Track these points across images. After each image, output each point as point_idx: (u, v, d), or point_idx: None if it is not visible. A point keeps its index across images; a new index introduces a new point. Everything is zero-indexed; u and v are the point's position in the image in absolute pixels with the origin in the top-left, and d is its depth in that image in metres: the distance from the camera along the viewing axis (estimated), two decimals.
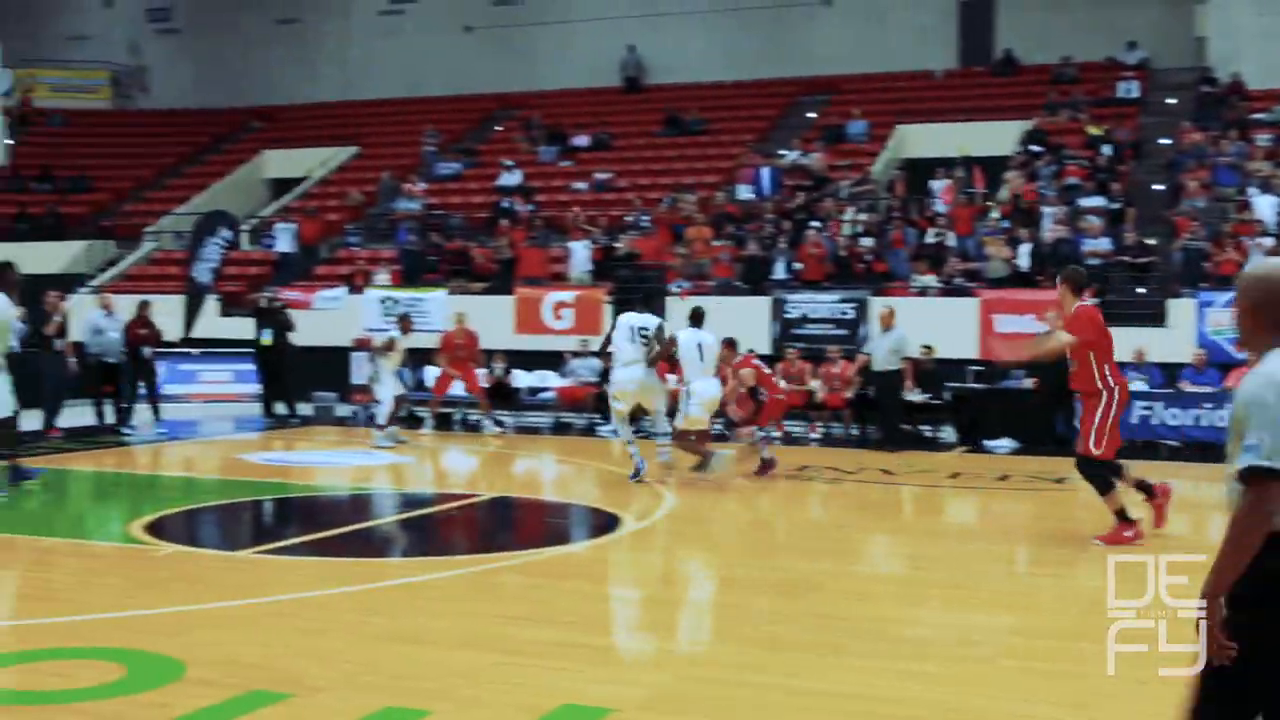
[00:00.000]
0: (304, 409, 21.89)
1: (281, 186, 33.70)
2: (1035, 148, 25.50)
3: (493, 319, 22.19)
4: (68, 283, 26.20)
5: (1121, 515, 10.41)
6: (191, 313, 24.92)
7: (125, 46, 39.44)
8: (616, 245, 24.73)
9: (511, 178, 29.25)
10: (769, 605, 8.44)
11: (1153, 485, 10.89)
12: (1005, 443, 17.77)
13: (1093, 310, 10.75)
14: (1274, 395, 3.58)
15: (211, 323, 25.32)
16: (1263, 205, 21.62)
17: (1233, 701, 3.64)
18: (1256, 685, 3.61)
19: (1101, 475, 10.53)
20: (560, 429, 20.77)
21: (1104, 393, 10.41)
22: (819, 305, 21.67)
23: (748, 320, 20.66)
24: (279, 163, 34.38)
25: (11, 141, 30.31)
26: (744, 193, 26.61)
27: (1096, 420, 10.42)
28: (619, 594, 9.40)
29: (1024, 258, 21.64)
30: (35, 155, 34.77)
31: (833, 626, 7.80)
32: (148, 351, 19.42)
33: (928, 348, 18.99)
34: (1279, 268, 3.85)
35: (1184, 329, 19.55)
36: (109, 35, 39.42)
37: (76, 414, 18.73)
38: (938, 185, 24.76)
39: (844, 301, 21.57)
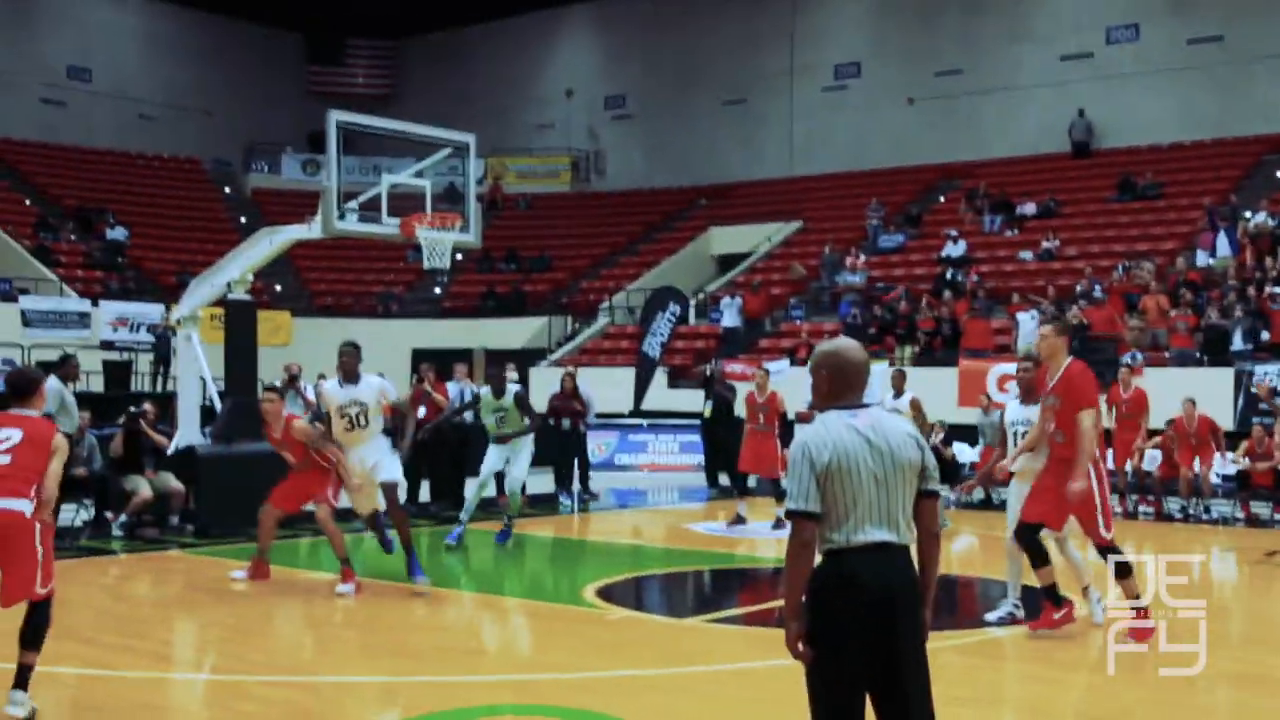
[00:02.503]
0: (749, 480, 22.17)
1: (728, 262, 34.62)
2: None
3: (935, 391, 21.87)
4: (530, 357, 27.85)
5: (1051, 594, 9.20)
6: (641, 385, 25.88)
7: (584, 133, 41.78)
8: (1065, 315, 23.90)
9: (955, 249, 28.88)
10: (1229, 698, 7.85)
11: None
12: None
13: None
14: (799, 454, 4.63)
15: (660, 394, 26.22)
16: None
17: (825, 695, 4.59)
18: (829, 678, 4.56)
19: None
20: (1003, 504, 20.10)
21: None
22: None
23: (1209, 393, 19.46)
24: (725, 239, 35.36)
25: (483, 225, 32.58)
26: (1203, 258, 25.20)
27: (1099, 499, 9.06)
28: (1063, 678, 8.96)
29: None
30: (502, 237, 37.28)
31: None
32: (567, 423, 19.41)
33: None
34: (849, 345, 4.85)
35: None
36: (569, 123, 41.89)
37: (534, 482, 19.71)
38: None
39: None
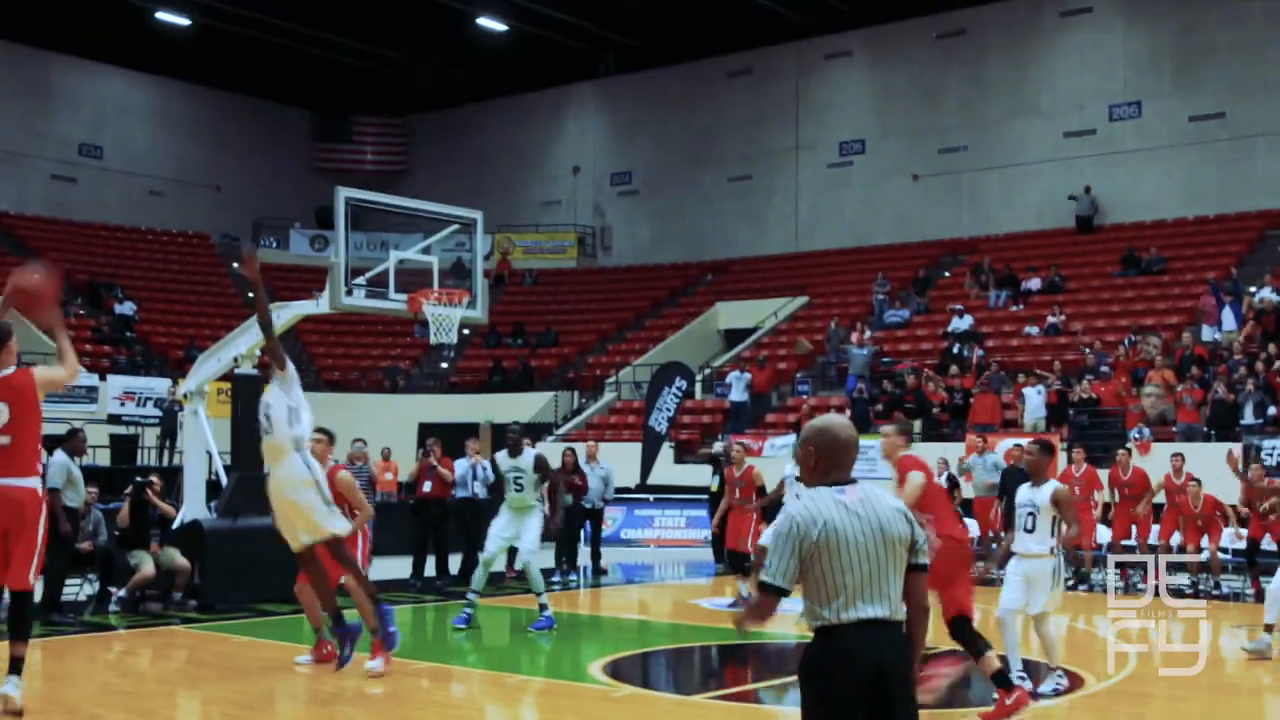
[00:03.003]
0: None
1: (734, 337, 34.71)
2: None
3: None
4: (536, 431, 27.84)
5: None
6: (648, 460, 25.86)
7: (591, 209, 42.05)
8: (1072, 390, 23.93)
9: (961, 323, 28.96)
10: None
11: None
12: None
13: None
14: (786, 528, 4.60)
15: (666, 469, 26.18)
16: None
17: None
18: None
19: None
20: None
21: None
22: None
23: (1217, 467, 19.38)
24: (732, 314, 35.46)
25: (491, 301, 32.74)
26: (1209, 333, 25.24)
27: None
28: None
29: None
30: (510, 312, 37.44)
31: None
32: (569, 499, 18.74)
33: None
34: (838, 422, 4.84)
35: None
36: (576, 200, 42.18)
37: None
38: None
39: None
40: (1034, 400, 23.92)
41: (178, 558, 15.08)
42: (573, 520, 18.95)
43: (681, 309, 36.92)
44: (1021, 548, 9.92)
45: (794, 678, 11.79)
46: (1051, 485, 9.90)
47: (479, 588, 13.84)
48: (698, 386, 30.29)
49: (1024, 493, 10.19)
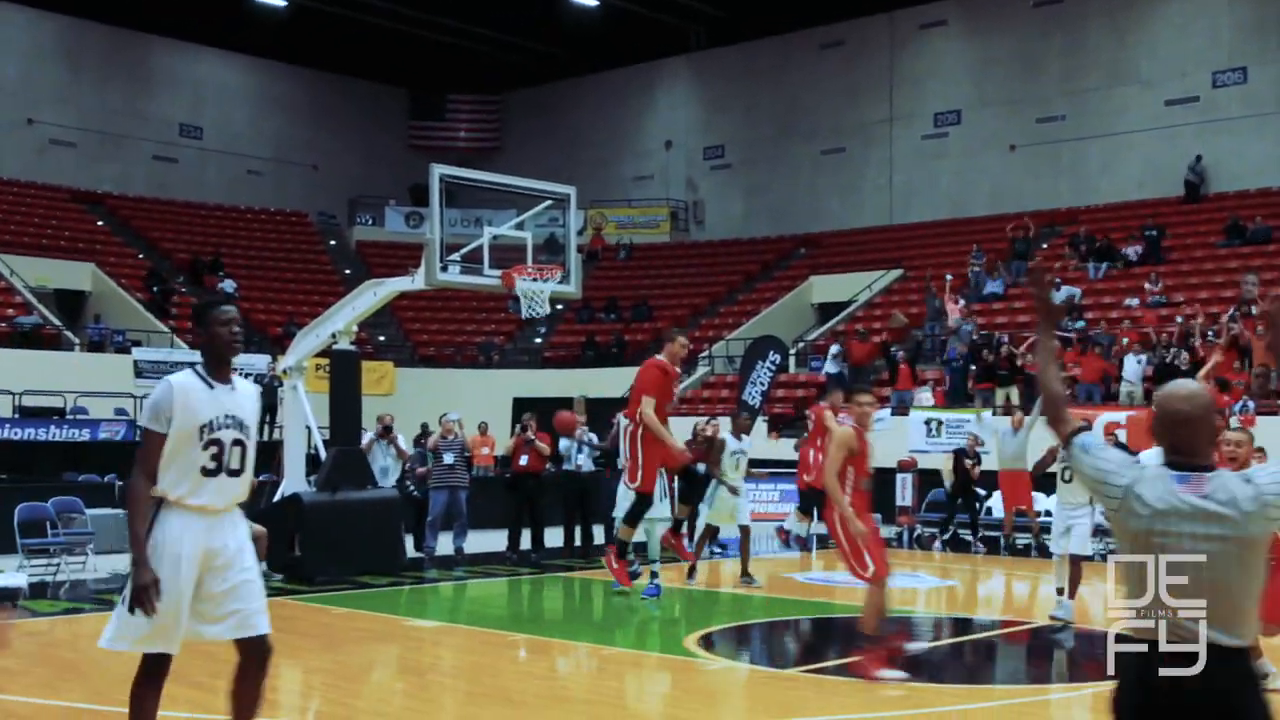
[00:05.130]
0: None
1: (828, 310, 34.50)
2: None
3: (1042, 440, 21.56)
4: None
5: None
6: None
7: (683, 184, 41.99)
8: (1174, 362, 23.48)
9: (1059, 294, 28.52)
10: None
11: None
12: None
13: None
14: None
15: (760, 443, 26.08)
16: None
17: None
18: None
19: None
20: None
21: None
22: None
23: None
24: (825, 288, 35.25)
25: (584, 276, 32.86)
26: None
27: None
28: None
29: None
30: (602, 287, 37.50)
31: None
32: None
33: None
34: (1180, 390, 4.05)
35: None
36: (668, 174, 42.14)
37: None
38: None
39: None
40: (1133, 368, 23.52)
41: (254, 526, 15.25)
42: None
43: (775, 283, 36.75)
44: None
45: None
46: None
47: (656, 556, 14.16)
48: (791, 360, 30.14)
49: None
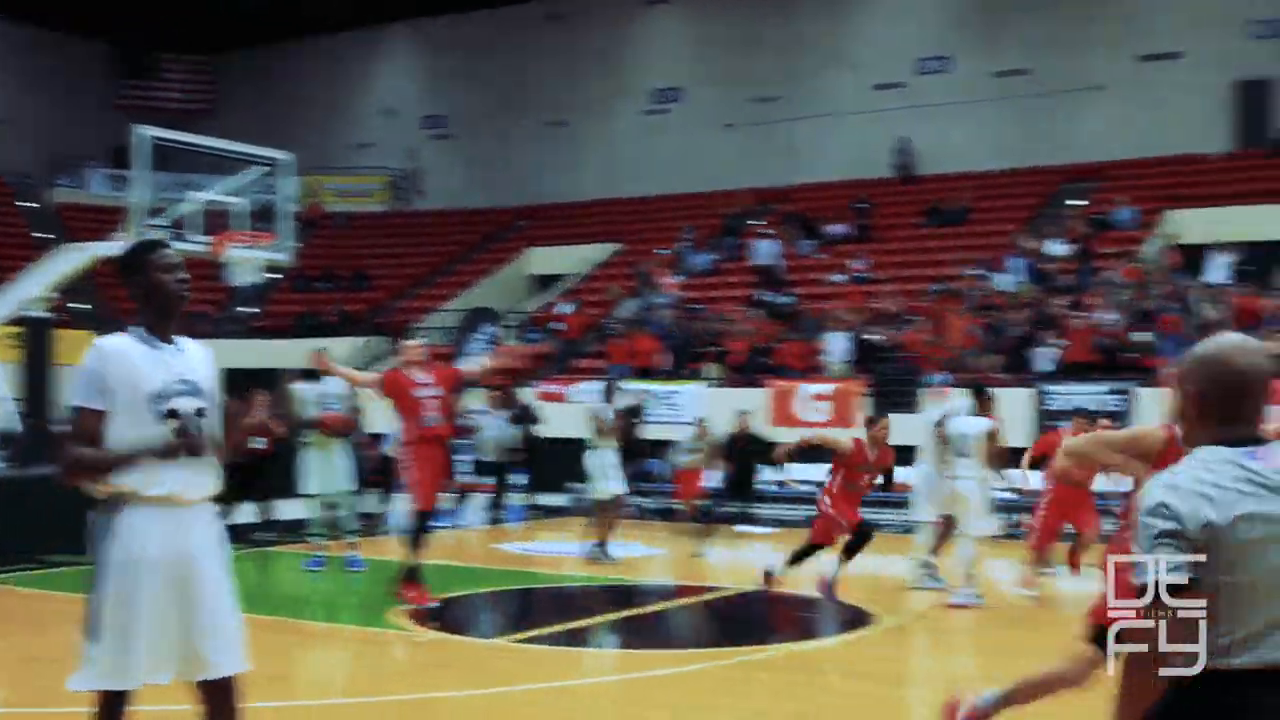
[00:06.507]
0: (560, 500, 22.28)
1: (545, 283, 34.67)
2: None
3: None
4: None
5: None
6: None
7: (403, 152, 41.45)
8: (875, 337, 24.54)
9: (764, 256, 29.48)
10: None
11: None
12: None
13: None
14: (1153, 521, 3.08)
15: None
16: None
17: None
18: None
19: None
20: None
21: None
22: (1084, 397, 20.90)
23: (1008, 413, 20.06)
24: (543, 260, 35.42)
25: (299, 244, 32.16)
26: (1004, 282, 26.11)
27: None
28: (872, 691, 9.19)
29: None
30: (319, 256, 36.69)
31: None
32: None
33: None
34: (1232, 347, 3.16)
35: None
36: (387, 143, 41.51)
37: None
38: (1214, 270, 23.85)
39: (1112, 393, 20.82)
40: (838, 346, 24.44)
41: None
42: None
43: (492, 254, 36.70)
44: None
45: (591, 620, 11.94)
46: None
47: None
48: (507, 332, 30.19)
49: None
